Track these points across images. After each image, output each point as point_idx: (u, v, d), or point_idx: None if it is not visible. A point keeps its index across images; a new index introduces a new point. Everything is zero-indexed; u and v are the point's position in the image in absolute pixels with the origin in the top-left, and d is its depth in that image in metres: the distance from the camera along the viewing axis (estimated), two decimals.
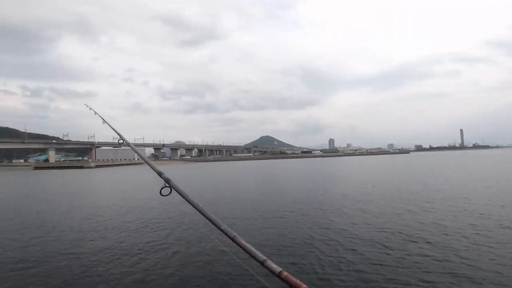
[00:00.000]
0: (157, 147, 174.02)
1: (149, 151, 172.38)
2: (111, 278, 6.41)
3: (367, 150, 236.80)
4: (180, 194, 1.52)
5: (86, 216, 13.24)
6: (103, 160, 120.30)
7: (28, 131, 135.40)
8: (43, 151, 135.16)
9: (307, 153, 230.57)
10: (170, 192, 1.53)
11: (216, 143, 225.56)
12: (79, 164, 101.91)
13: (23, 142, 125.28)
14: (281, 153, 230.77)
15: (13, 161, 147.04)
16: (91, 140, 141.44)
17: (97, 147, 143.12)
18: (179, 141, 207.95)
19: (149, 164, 2.24)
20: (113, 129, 3.64)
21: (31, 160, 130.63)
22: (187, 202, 1.47)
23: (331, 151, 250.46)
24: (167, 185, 1.53)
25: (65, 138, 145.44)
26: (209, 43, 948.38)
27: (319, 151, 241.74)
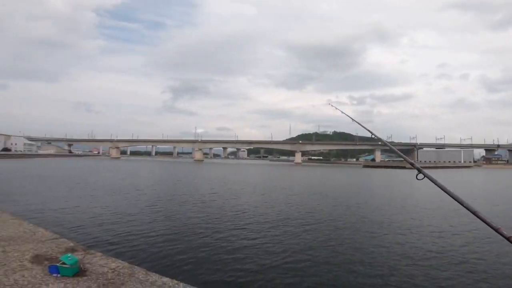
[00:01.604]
0: (490, 149, 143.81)
1: (479, 152, 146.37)
2: None
3: None
4: (428, 179, 1.90)
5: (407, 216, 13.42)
6: (424, 161, 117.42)
7: (359, 135, 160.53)
8: (370, 151, 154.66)
9: None
10: (423, 178, 1.91)
11: None
12: (401, 164, 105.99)
13: (355, 144, 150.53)
14: None
15: (348, 159, 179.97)
16: (413, 141, 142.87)
17: (419, 148, 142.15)
18: None
19: (401, 156, 2.80)
20: (364, 127, 3.93)
21: (362, 160, 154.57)
22: (436, 186, 1.83)
23: None
24: (419, 172, 1.94)
25: (388, 140, 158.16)
26: None
27: None
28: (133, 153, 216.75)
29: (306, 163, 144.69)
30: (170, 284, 3.80)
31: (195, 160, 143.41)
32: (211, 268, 7.14)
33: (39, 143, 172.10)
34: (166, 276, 4.08)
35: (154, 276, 4.06)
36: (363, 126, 4.14)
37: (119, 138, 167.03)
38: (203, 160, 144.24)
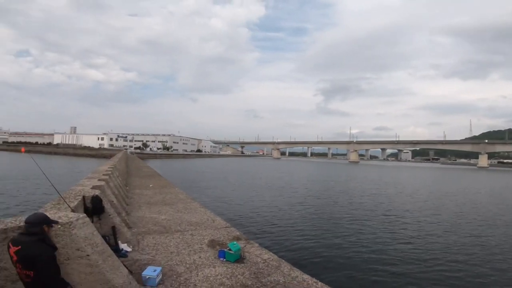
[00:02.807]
0: None
1: None
2: None
3: None
4: None
5: None
6: None
7: None
8: None
9: None
10: None
11: None
12: None
13: None
14: None
15: None
16: None
17: None
18: None
19: None
20: None
21: None
22: None
23: None
24: None
25: None
26: None
27: None
28: (291, 154, 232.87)
29: (494, 168, 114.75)
30: (310, 281, 4.06)
31: (349, 161, 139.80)
32: (352, 272, 7.05)
33: (220, 145, 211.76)
34: (308, 274, 4.38)
35: (296, 272, 4.42)
36: None
37: (279, 140, 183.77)
38: (358, 162, 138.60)
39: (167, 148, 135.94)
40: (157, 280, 3.91)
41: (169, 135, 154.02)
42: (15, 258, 2.27)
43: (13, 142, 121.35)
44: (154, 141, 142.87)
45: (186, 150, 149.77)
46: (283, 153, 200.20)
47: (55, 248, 2.41)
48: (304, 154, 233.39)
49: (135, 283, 3.56)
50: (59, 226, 3.12)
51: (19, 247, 2.26)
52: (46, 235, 2.43)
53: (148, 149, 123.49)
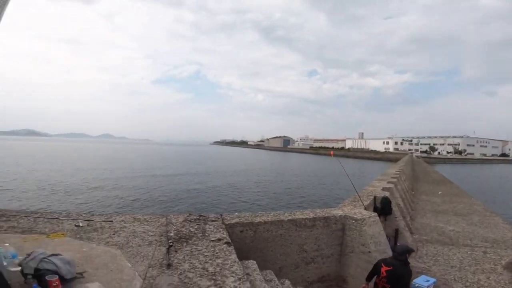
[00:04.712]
0: None
1: None
2: None
3: None
4: None
5: None
6: None
7: None
8: None
9: None
10: None
11: None
12: None
13: None
14: None
15: None
16: None
17: None
18: None
19: None
20: None
21: None
22: None
23: None
24: None
25: None
26: None
27: None
28: None
29: None
30: None
31: None
32: None
33: None
34: None
35: None
36: None
37: None
38: None
39: (459, 152, 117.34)
40: None
41: (462, 136, 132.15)
42: (384, 274, 3.00)
43: (316, 147, 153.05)
44: (442, 144, 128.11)
45: (485, 154, 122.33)
46: None
47: (411, 272, 3.10)
48: None
49: None
50: (353, 221, 3.74)
51: (391, 267, 2.99)
52: (407, 261, 3.09)
53: (435, 153, 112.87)
